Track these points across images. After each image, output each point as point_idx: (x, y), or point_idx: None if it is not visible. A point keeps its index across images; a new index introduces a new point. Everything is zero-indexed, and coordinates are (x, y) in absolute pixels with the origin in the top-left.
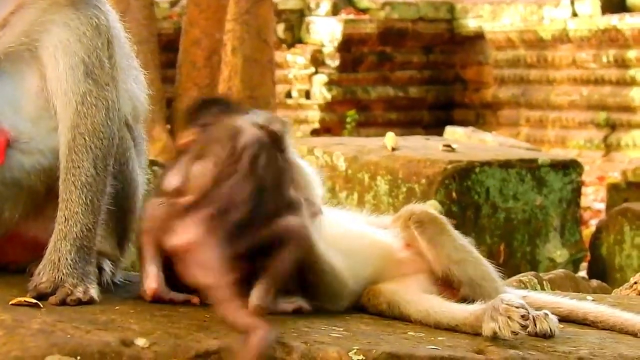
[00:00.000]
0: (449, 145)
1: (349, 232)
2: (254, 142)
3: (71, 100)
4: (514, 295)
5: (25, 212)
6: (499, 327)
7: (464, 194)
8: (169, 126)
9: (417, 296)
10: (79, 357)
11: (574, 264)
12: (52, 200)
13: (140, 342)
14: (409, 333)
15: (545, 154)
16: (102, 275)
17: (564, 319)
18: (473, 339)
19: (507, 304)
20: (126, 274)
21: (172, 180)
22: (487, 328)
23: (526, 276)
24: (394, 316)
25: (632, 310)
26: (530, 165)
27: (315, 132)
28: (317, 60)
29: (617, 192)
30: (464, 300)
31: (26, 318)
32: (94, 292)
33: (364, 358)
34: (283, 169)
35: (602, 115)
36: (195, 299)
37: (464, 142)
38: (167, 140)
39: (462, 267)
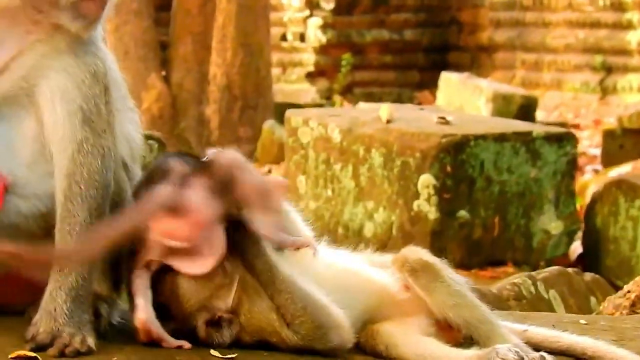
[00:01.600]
0: (443, 118)
1: (343, 269)
2: None
3: (67, 148)
4: (512, 338)
5: None
6: None
7: (458, 167)
8: (163, 73)
9: (415, 339)
10: None
11: (569, 236)
12: (49, 241)
13: None
14: None
15: (540, 127)
16: (100, 321)
17: (563, 352)
18: None
19: (502, 358)
20: (124, 313)
21: None
22: None
23: (520, 277)
24: (391, 358)
25: (625, 334)
26: (524, 138)
27: (309, 76)
28: (311, 3)
29: (613, 139)
30: (465, 338)
31: None
32: (91, 341)
33: None
34: None
35: (598, 59)
36: (187, 345)
37: (459, 114)
38: (161, 87)
39: (458, 312)
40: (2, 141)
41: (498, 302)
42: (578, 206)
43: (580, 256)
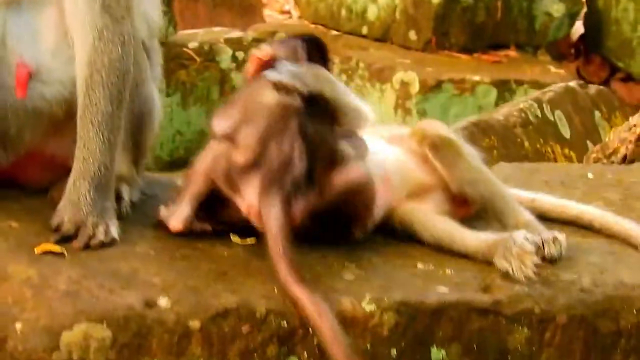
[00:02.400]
0: None
1: (375, 157)
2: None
3: (88, 36)
4: (523, 213)
5: (45, 135)
6: (512, 270)
7: None
8: None
9: (432, 219)
10: (105, 323)
11: (570, 18)
12: (71, 122)
13: (163, 302)
14: (418, 267)
15: None
16: (121, 204)
17: (571, 222)
18: (480, 271)
19: (519, 248)
20: (145, 188)
21: (223, 124)
22: (500, 265)
23: (526, 102)
24: (407, 235)
25: (631, 191)
26: None
27: None
28: None
29: None
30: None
31: (52, 274)
32: (114, 230)
33: (376, 307)
34: (327, 122)
35: None
36: (208, 228)
37: None
38: None
39: (475, 187)
40: (26, 30)
41: (505, 131)
42: None
43: (581, 37)
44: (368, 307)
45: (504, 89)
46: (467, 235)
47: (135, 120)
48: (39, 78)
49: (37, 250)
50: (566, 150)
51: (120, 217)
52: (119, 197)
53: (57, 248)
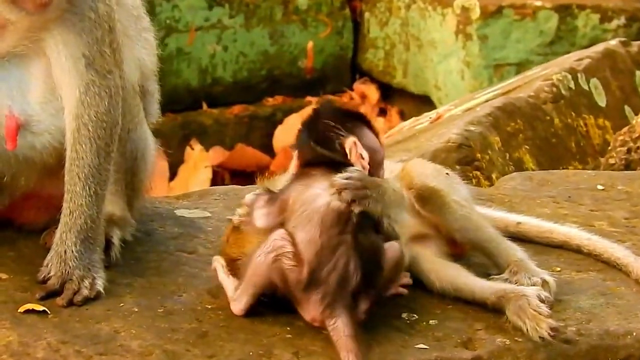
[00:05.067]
0: None
1: None
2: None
3: (74, 90)
4: (516, 253)
5: (40, 179)
6: (527, 330)
7: None
8: None
9: (438, 266)
10: None
11: None
12: (64, 165)
13: None
14: (402, 317)
15: None
16: (111, 250)
17: (559, 247)
18: (464, 320)
19: (535, 310)
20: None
21: (265, 220)
22: (513, 321)
23: (559, 73)
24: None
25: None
26: None
27: None
28: None
29: None
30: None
31: (32, 339)
32: (100, 283)
33: None
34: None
35: None
36: None
37: None
38: None
39: (464, 235)
40: (14, 82)
41: (532, 110)
42: None
43: None
44: None
45: (566, 14)
46: (474, 283)
47: (128, 163)
48: (29, 129)
49: (21, 309)
50: (600, 121)
51: (109, 265)
52: (109, 243)
53: (40, 307)
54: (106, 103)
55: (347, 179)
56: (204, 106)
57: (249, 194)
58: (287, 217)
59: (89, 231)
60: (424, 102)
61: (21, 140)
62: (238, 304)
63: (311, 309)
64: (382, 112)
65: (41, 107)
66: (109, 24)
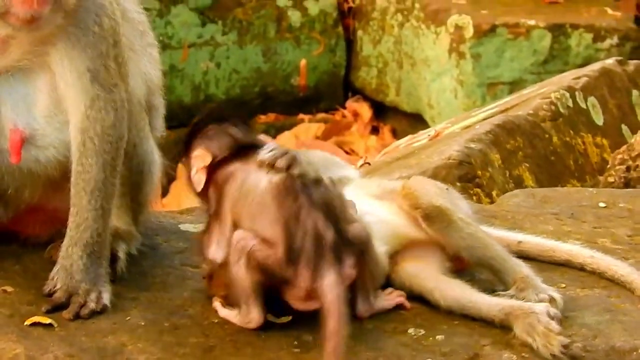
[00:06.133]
0: None
1: (366, 214)
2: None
3: (80, 106)
4: (522, 269)
5: (44, 192)
6: (537, 347)
7: None
8: None
9: (443, 284)
10: None
11: None
12: (69, 179)
13: None
14: (409, 332)
15: None
16: (117, 264)
17: (562, 264)
18: (470, 336)
19: (545, 327)
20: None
21: (219, 252)
22: (522, 338)
23: (557, 92)
24: (412, 295)
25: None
26: None
27: None
28: None
29: None
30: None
31: (38, 352)
32: (106, 297)
33: None
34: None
35: None
36: None
37: None
38: None
39: (471, 253)
40: (19, 96)
41: (532, 128)
42: None
43: None
44: None
45: (559, 33)
46: (480, 301)
47: (134, 177)
48: (33, 143)
49: (28, 322)
50: (598, 139)
51: (115, 279)
52: (115, 257)
53: (46, 319)
54: (112, 117)
55: (271, 151)
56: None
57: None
58: (237, 220)
59: (95, 245)
60: (417, 121)
61: (25, 154)
62: (250, 317)
63: (301, 283)
64: (375, 130)
65: (46, 121)
66: (113, 38)
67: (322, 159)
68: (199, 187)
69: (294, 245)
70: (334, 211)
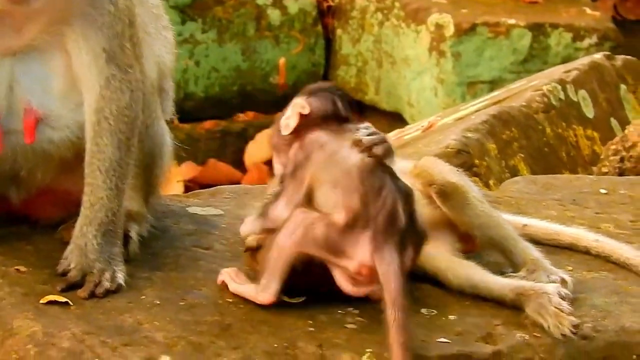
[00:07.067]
0: None
1: None
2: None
3: (95, 84)
4: (532, 252)
5: (57, 173)
6: (549, 327)
7: None
8: None
9: (455, 265)
10: None
11: None
12: (82, 162)
13: None
14: (422, 312)
15: None
16: (129, 245)
17: (567, 248)
18: (483, 316)
19: (557, 307)
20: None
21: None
22: (534, 318)
23: (549, 84)
24: (425, 276)
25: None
26: None
27: None
28: None
29: None
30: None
31: (56, 329)
32: (120, 276)
33: None
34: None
35: None
36: None
37: None
38: None
39: (484, 231)
40: (34, 76)
41: (526, 119)
42: None
43: None
44: None
45: (539, 33)
46: (492, 281)
47: (146, 159)
48: (47, 123)
49: (43, 300)
50: (589, 132)
51: (128, 259)
52: (127, 238)
53: (62, 298)
54: (127, 97)
55: (369, 135)
56: (175, 121)
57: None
58: (315, 186)
59: (110, 224)
60: (396, 119)
61: (39, 134)
62: (265, 293)
63: (359, 252)
64: None
65: (61, 102)
66: (129, 18)
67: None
68: (286, 130)
69: (367, 214)
70: (411, 200)
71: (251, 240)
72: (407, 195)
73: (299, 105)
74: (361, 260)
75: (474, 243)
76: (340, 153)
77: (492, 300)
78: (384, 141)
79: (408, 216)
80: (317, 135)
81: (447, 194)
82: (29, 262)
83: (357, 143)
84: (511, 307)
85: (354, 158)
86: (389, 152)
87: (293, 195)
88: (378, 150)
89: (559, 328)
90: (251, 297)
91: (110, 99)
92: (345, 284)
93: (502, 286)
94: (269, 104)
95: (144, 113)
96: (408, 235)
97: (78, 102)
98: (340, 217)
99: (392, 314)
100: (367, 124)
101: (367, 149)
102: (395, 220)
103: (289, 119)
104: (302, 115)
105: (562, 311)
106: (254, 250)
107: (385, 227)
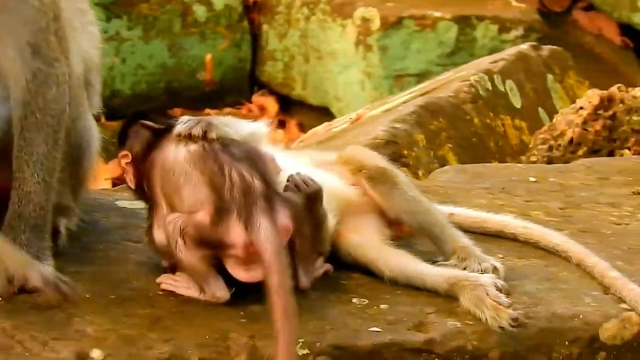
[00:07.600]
0: None
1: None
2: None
3: (21, 79)
4: (460, 238)
5: None
6: (486, 319)
7: None
8: None
9: (387, 254)
10: None
11: None
12: (6, 163)
13: (95, 354)
14: (353, 302)
15: None
16: (58, 238)
17: (495, 235)
18: (414, 305)
19: (494, 300)
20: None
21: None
22: (469, 309)
23: (476, 75)
24: (360, 264)
25: (573, 196)
26: None
27: None
28: None
29: None
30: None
31: None
32: (49, 270)
33: (309, 352)
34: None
35: None
36: None
37: None
38: None
39: (413, 217)
40: None
41: (454, 110)
42: None
43: None
44: (301, 351)
45: (465, 25)
46: (424, 271)
47: (74, 152)
48: None
49: None
50: (517, 122)
51: (57, 253)
52: (56, 232)
53: None
54: (54, 91)
55: (185, 123)
56: (102, 119)
57: None
58: (169, 201)
59: (38, 219)
60: (324, 114)
61: None
62: (217, 294)
63: (235, 236)
64: (281, 124)
65: None
66: (54, 12)
67: (230, 120)
68: (132, 184)
69: (222, 200)
70: (259, 163)
71: (164, 263)
72: (248, 158)
73: (123, 158)
74: (242, 242)
75: (402, 229)
76: (169, 157)
77: (425, 290)
78: (199, 122)
79: (261, 178)
80: (148, 158)
81: (376, 178)
82: None
83: (177, 138)
84: (444, 296)
85: (182, 153)
86: (209, 127)
87: (159, 219)
88: (197, 130)
89: (497, 320)
90: (208, 300)
91: (36, 93)
92: (237, 273)
93: (436, 276)
94: (196, 100)
95: (71, 107)
96: (272, 195)
97: (4, 96)
98: (203, 214)
99: (272, 276)
100: (183, 117)
101: (187, 136)
102: (250, 188)
103: (127, 175)
104: (131, 161)
105: (501, 304)
106: (172, 269)
107: (244, 200)
